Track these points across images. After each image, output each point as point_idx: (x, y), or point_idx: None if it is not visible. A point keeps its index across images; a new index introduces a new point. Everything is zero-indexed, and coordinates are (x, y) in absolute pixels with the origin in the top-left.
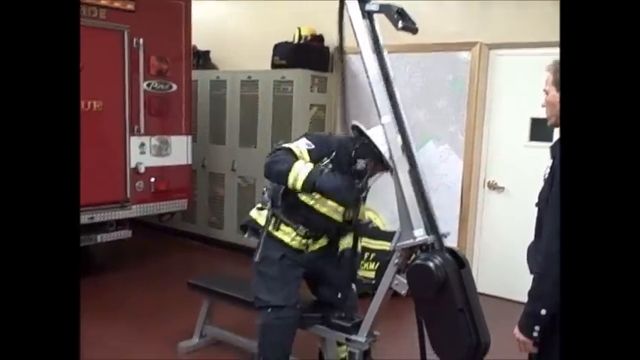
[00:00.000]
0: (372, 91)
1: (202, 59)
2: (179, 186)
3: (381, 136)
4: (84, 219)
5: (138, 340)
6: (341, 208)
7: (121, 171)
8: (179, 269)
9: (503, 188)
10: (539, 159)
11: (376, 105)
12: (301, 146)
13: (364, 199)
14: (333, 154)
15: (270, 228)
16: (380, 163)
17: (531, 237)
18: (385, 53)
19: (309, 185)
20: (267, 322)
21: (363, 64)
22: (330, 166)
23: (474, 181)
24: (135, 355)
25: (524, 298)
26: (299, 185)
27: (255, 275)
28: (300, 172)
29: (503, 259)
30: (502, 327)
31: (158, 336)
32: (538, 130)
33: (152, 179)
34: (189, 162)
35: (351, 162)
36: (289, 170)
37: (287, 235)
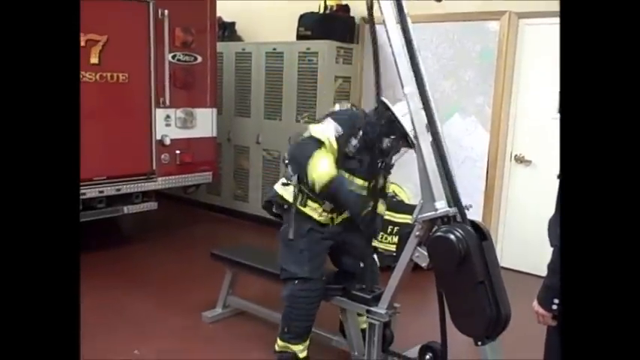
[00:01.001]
0: (395, 61)
1: (228, 31)
2: (204, 159)
3: (406, 112)
4: (111, 190)
5: (162, 309)
6: (366, 184)
7: (147, 143)
8: (203, 241)
9: (530, 162)
10: None
11: (399, 75)
12: (330, 134)
13: (388, 173)
14: (360, 133)
15: (298, 204)
16: (404, 140)
17: None
18: (409, 22)
19: (326, 195)
20: (293, 293)
21: (387, 33)
22: (358, 145)
23: (500, 154)
24: (159, 323)
25: None
26: (317, 189)
27: (282, 247)
28: (321, 176)
29: (529, 234)
30: (526, 302)
31: (182, 305)
32: None
33: (177, 151)
34: (214, 134)
35: (378, 139)
36: (307, 168)
37: (314, 210)
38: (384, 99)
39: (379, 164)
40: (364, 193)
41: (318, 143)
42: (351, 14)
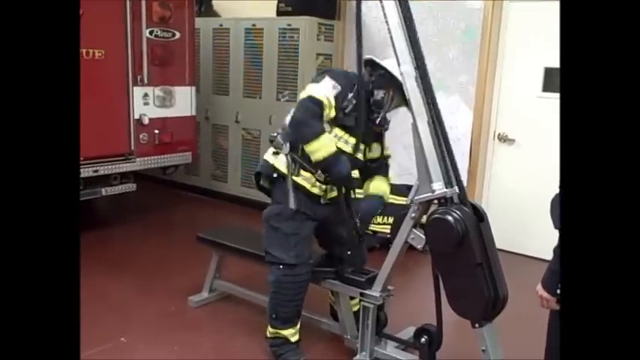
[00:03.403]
0: (392, 37)
1: (204, 6)
2: (183, 138)
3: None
4: (88, 172)
5: (146, 294)
6: (361, 146)
7: (125, 123)
8: (183, 223)
9: (513, 141)
10: (552, 110)
11: (395, 53)
12: (329, 93)
13: (383, 134)
14: (355, 87)
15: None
16: (398, 94)
17: (542, 190)
18: None
19: (322, 166)
20: (279, 279)
21: (382, 9)
22: (354, 101)
23: (483, 133)
24: (144, 309)
25: (533, 252)
26: (314, 159)
27: (266, 229)
28: (321, 148)
29: (512, 213)
30: (512, 281)
31: (167, 290)
32: (551, 80)
33: (156, 131)
34: (194, 113)
35: (369, 94)
36: (313, 140)
37: (306, 180)
38: (370, 56)
39: (377, 119)
40: (359, 155)
41: (319, 106)
42: None
